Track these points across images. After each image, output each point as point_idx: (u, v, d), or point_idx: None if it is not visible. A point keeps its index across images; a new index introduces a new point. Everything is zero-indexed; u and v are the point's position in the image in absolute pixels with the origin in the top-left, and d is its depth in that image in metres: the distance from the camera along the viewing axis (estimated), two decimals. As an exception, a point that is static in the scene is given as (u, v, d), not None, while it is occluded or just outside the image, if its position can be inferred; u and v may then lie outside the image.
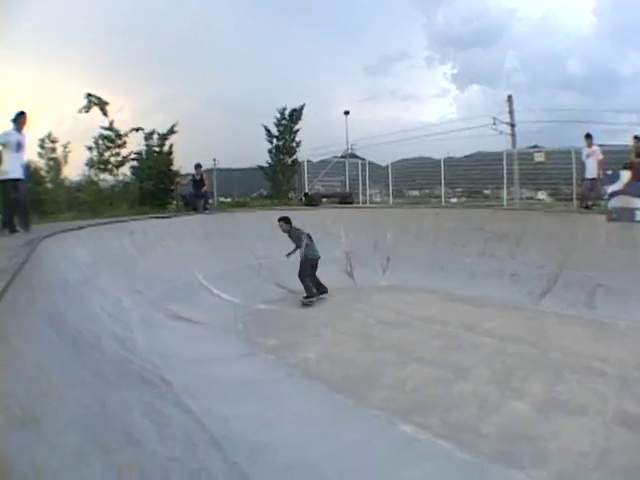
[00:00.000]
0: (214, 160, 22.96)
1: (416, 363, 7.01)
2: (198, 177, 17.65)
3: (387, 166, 21.75)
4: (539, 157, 17.55)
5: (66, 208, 18.87)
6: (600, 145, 13.86)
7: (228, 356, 7.58)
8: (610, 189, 11.80)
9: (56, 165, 23.89)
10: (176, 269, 11.39)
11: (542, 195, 18.32)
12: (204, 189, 17.54)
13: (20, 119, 9.95)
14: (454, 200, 20.23)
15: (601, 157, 13.59)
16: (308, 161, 23.80)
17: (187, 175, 19.39)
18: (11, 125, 9.91)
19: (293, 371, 6.82)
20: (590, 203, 13.79)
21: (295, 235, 11.69)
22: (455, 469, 4.23)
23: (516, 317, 9.57)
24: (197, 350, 7.47)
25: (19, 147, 9.86)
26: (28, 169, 12.44)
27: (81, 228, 10.47)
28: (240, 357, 7.59)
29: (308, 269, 11.41)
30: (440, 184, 19.68)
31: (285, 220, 11.90)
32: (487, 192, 20.92)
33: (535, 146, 19.04)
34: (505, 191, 17.77)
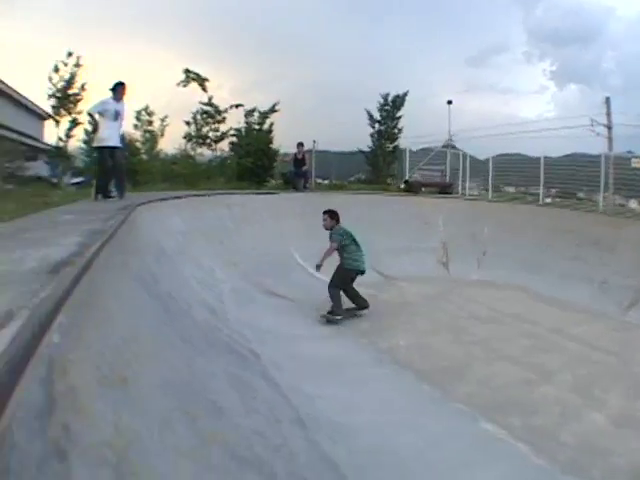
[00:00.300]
0: (314, 141, 22.94)
1: (503, 361, 6.96)
2: (300, 156, 17.84)
3: (486, 160, 21.29)
4: (637, 163, 16.73)
5: (160, 179, 19.33)
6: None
7: (318, 335, 7.73)
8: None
9: (152, 137, 24.63)
10: (272, 245, 11.64)
11: (634, 204, 17.42)
12: (305, 168, 17.81)
13: (119, 89, 10.14)
14: (548, 200, 19.58)
15: None
16: (410, 149, 23.45)
17: (288, 154, 19.51)
18: (110, 94, 10.11)
19: (383, 356, 6.83)
20: None
21: (337, 234, 9.36)
22: (529, 474, 4.19)
23: (602, 325, 9.29)
24: (288, 326, 7.70)
25: (117, 116, 10.05)
26: (124, 139, 12.73)
27: (177, 198, 10.76)
28: (330, 337, 7.68)
29: (342, 280, 9.06)
30: (536, 183, 19.16)
31: (331, 214, 9.70)
32: (581, 195, 20.17)
33: (629, 151, 18.16)
34: (601, 196, 16.95)
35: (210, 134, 22.82)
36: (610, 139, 17.33)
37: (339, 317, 8.52)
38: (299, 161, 17.77)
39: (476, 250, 14.06)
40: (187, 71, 22.88)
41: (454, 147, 22.69)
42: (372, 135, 27.28)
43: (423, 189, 19.83)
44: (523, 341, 7.86)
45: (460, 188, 20.95)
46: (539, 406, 5.43)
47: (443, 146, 22.65)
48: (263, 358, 5.17)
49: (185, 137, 22.83)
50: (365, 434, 4.24)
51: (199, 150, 22.77)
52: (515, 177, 20.67)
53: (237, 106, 23.48)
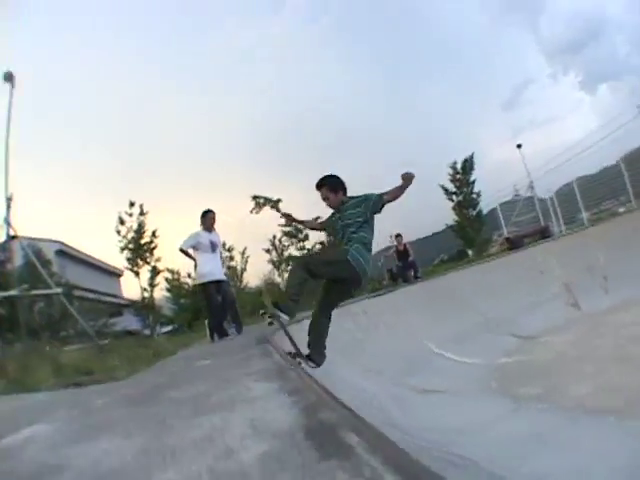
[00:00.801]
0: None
1: None
2: (401, 248, 18.27)
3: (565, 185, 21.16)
4: None
5: (249, 312, 19.68)
6: None
7: (496, 416, 6.96)
8: None
9: (235, 274, 25.24)
10: (404, 342, 11.07)
11: None
12: (410, 258, 18.14)
13: (208, 217, 9.79)
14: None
15: None
16: (498, 205, 23.55)
17: (388, 248, 19.70)
18: (199, 227, 9.77)
19: (574, 414, 6.17)
20: None
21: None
22: None
23: None
24: (461, 418, 6.99)
25: (214, 247, 9.71)
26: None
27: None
28: (510, 413, 6.93)
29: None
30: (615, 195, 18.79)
31: (331, 186, 6.01)
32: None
33: None
34: None
35: (296, 254, 23.38)
36: None
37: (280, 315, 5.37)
38: (402, 253, 18.16)
39: (597, 279, 13.51)
40: (255, 197, 23.70)
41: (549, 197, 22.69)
42: (454, 208, 27.90)
43: (526, 240, 19.63)
44: None
45: (556, 227, 21.02)
46: None
47: (526, 193, 22.65)
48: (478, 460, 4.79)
49: (270, 263, 23.40)
50: None
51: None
52: (589, 199, 20.81)
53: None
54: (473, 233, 26.80)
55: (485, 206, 26.66)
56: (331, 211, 6.11)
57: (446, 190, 28.02)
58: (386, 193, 5.55)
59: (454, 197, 27.95)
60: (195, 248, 9.56)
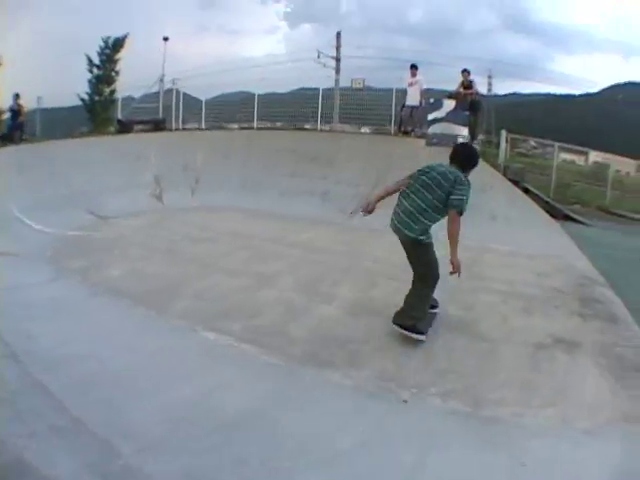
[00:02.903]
0: (38, 98, 21.54)
1: (219, 273, 7.20)
2: (16, 108, 17.00)
3: (208, 100, 21.39)
4: (357, 84, 17.85)
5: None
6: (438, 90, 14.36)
7: (37, 281, 7.33)
8: (432, 116, 12.46)
9: None
10: None
11: (365, 130, 18.62)
12: (20, 119, 17.02)
13: None
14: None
15: (424, 86, 14.20)
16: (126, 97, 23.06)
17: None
18: None
19: (97, 289, 6.78)
20: (410, 129, 14.18)
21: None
22: (259, 372, 4.44)
23: (325, 231, 9.99)
24: (5, 279, 7.27)
25: None
26: None
27: None
28: (48, 281, 7.37)
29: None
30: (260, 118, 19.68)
31: None
32: (308, 127, 21.01)
33: (367, 87, 19.00)
34: (318, 118, 17.85)
35: None
36: (338, 71, 18.19)
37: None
38: (15, 113, 16.94)
39: (189, 179, 13.87)
40: None
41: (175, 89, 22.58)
42: (90, 81, 26.81)
43: (138, 127, 19.41)
44: (240, 253, 8.19)
45: (174, 124, 20.82)
46: (262, 309, 5.73)
47: (154, 84, 22.48)
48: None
49: None
50: (82, 361, 4.39)
51: None
52: (237, 115, 20.65)
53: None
54: (101, 110, 25.95)
55: (128, 88, 25.75)
56: None
57: (90, 60, 26.80)
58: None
59: (95, 70, 26.87)
60: None
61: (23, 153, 14.34)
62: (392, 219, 5.20)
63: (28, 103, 18.10)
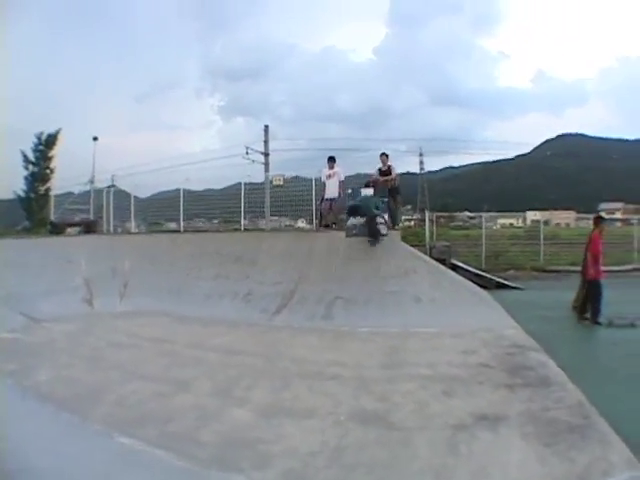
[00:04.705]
0: None
1: (139, 380, 7.08)
2: None
3: (147, 198, 21.49)
4: (277, 181, 18.17)
5: None
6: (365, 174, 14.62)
7: None
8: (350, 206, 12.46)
9: None
10: None
11: (302, 223, 18.87)
12: None
13: None
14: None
15: (342, 178, 14.53)
16: (59, 195, 23.08)
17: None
18: None
19: (26, 393, 6.77)
20: (330, 222, 14.49)
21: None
22: (167, 476, 4.38)
23: (245, 333, 9.85)
24: None
25: None
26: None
27: None
28: None
29: None
30: (199, 216, 19.80)
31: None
32: (245, 222, 21.15)
33: (296, 176, 19.44)
34: (242, 216, 18.16)
35: None
36: (267, 164, 18.51)
37: None
38: None
39: (118, 283, 13.93)
40: None
41: (114, 187, 22.60)
42: (26, 178, 27.23)
43: (70, 229, 19.41)
44: (160, 360, 8.07)
45: (105, 225, 21.15)
46: (176, 414, 5.64)
47: (86, 184, 22.53)
48: None
49: None
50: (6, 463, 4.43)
51: None
52: (176, 212, 20.86)
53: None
54: (37, 208, 25.91)
55: (60, 187, 25.82)
56: None
57: (25, 157, 27.27)
58: None
59: (30, 166, 27.22)
60: None
61: None
62: None
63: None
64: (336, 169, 14.60)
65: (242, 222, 17.96)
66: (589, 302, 11.09)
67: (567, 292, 11.54)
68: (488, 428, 4.66)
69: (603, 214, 15.03)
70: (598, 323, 10.81)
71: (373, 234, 11.19)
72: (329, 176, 14.62)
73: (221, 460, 4.47)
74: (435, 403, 5.40)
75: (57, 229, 19.27)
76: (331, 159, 14.79)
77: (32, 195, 26.75)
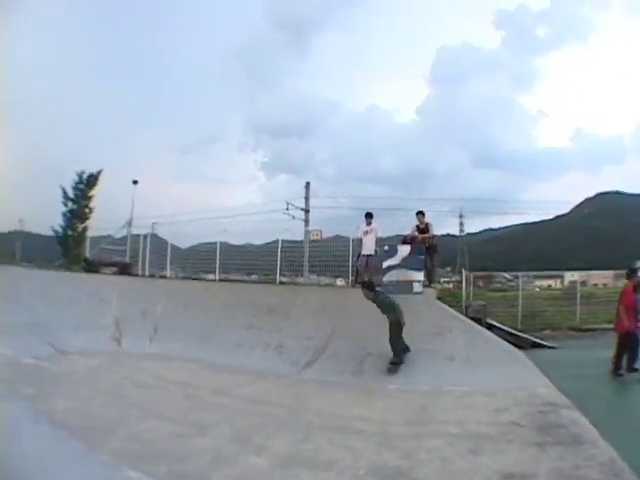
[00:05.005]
0: (19, 220, 22.00)
1: (157, 419, 7.12)
2: None
3: (188, 248, 21.62)
4: (315, 236, 18.09)
5: None
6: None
7: None
8: (386, 263, 12.43)
9: None
10: None
11: (340, 282, 18.70)
12: None
13: None
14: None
15: (379, 234, 14.34)
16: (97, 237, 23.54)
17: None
18: None
19: (40, 417, 6.95)
20: (366, 279, 14.08)
21: (383, 302, 9.87)
22: None
23: (272, 384, 9.76)
24: None
25: None
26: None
27: None
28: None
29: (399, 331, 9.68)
30: (238, 269, 19.80)
31: (368, 286, 10.07)
32: (284, 279, 21.07)
33: (337, 236, 19.34)
34: (278, 270, 18.10)
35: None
36: (307, 221, 18.40)
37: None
38: None
39: (149, 326, 14.12)
40: None
41: (157, 236, 22.77)
42: (65, 214, 27.38)
43: (103, 268, 19.86)
44: (182, 403, 8.10)
45: (140, 269, 21.03)
46: (188, 455, 5.63)
47: (123, 226, 22.76)
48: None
49: None
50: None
51: None
52: (215, 264, 20.72)
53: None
54: (73, 245, 26.38)
55: (98, 228, 26.08)
56: None
57: (65, 193, 27.53)
58: None
59: (69, 203, 27.52)
60: None
61: None
62: None
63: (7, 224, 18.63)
64: (373, 225, 14.44)
65: (278, 276, 17.80)
66: (624, 355, 10.66)
67: (603, 350, 11.17)
68: (514, 488, 4.37)
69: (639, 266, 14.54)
70: (635, 370, 10.25)
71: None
72: (366, 232, 14.43)
73: None
74: (461, 461, 5.25)
75: (91, 267, 19.61)
76: (368, 215, 14.68)
77: (69, 232, 27.10)
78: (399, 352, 9.62)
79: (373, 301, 9.80)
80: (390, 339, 9.57)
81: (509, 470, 4.83)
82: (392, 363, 9.55)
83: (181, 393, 8.81)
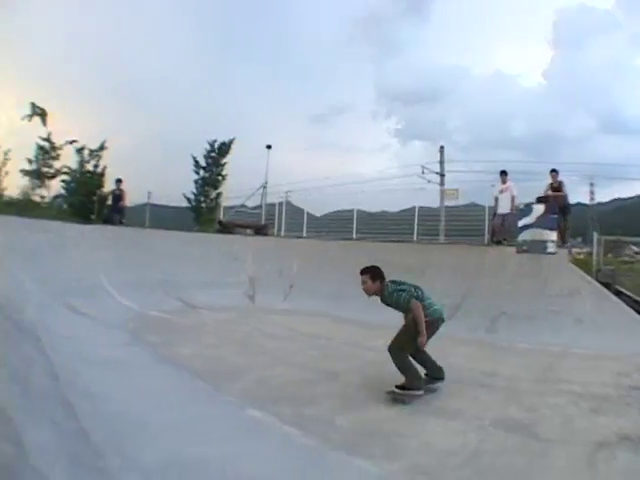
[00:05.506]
0: (148, 193, 22.84)
1: (286, 366, 7.41)
2: (118, 192, 18.28)
3: (309, 216, 21.55)
4: (451, 194, 17.69)
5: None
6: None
7: (109, 343, 8.17)
8: (522, 222, 12.35)
9: None
10: (84, 271, 12.51)
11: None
12: (121, 203, 18.24)
13: None
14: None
15: (515, 193, 14.09)
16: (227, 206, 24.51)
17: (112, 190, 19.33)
18: None
19: (163, 360, 7.43)
20: (501, 238, 14.13)
21: (409, 294, 6.26)
22: (290, 449, 4.48)
23: None
24: (81, 334, 8.31)
25: None
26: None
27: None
28: (120, 345, 8.14)
29: (412, 338, 6.14)
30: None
31: (372, 274, 6.64)
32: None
33: (472, 203, 18.88)
34: (415, 229, 18.03)
35: (44, 170, 22.63)
36: (442, 185, 18.08)
37: (419, 392, 5.88)
38: (116, 197, 18.23)
39: (283, 284, 14.63)
40: (34, 105, 22.66)
41: (290, 204, 22.95)
42: (196, 182, 27.80)
43: (238, 229, 20.20)
44: (313, 352, 8.43)
45: (276, 230, 21.43)
46: (316, 399, 5.81)
47: (258, 189, 23.02)
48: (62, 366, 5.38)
49: (22, 172, 22.56)
50: (128, 415, 4.66)
51: (38, 190, 22.59)
52: (349, 233, 20.23)
53: (72, 142, 23.51)
54: (206, 211, 27.06)
55: (231, 195, 26.50)
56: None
57: (197, 162, 27.90)
58: (411, 310, 6.15)
59: (201, 171, 27.90)
60: None
61: (122, 234, 15.77)
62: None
63: (138, 197, 19.32)
64: (508, 184, 14.30)
65: (415, 232, 17.73)
66: None
67: None
68: (630, 449, 4.49)
69: None
70: None
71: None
72: (501, 191, 14.35)
73: (352, 445, 4.52)
74: (581, 419, 5.29)
75: (225, 228, 19.98)
76: (503, 173, 14.52)
77: (202, 199, 27.60)
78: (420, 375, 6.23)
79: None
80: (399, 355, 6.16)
81: (626, 432, 4.81)
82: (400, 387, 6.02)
83: (312, 343, 9.16)
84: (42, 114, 23.18)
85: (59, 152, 23.64)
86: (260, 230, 20.61)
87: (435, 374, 6.36)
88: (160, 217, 23.56)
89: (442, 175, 18.22)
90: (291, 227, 21.56)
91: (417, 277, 12.29)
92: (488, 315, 10.69)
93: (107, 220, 17.99)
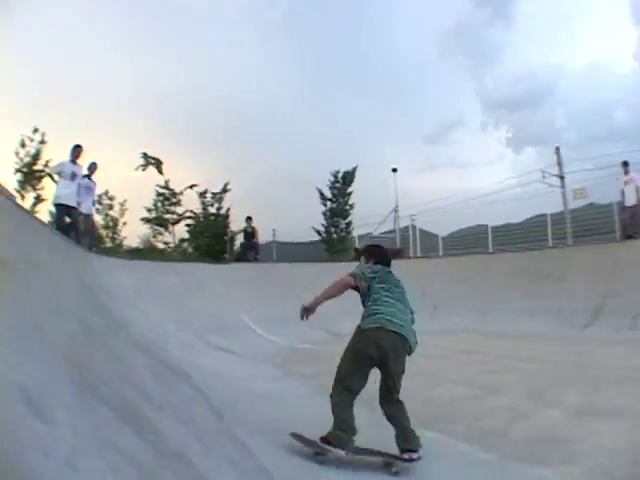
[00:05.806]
0: (273, 230, 23.26)
1: (448, 384, 7.35)
2: (249, 229, 18.76)
3: (441, 236, 21.50)
4: (579, 194, 17.07)
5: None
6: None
7: (259, 377, 8.40)
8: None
9: (113, 222, 25.29)
10: (222, 309, 12.69)
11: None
12: (254, 240, 18.76)
13: (75, 151, 11.12)
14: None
15: (639, 184, 13.61)
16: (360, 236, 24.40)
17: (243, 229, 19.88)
18: (68, 157, 11.07)
19: (319, 391, 6.79)
20: (633, 232, 13.67)
21: (361, 269, 4.92)
22: (469, 465, 4.40)
23: (557, 345, 9.82)
24: (232, 371, 8.53)
25: (73, 177, 10.97)
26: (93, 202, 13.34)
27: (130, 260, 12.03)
28: (273, 379, 8.33)
29: (352, 361, 4.45)
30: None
31: (369, 252, 5.33)
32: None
33: (591, 204, 18.32)
34: (549, 232, 17.58)
35: (167, 216, 23.58)
36: (563, 187, 17.56)
37: (341, 452, 4.09)
38: (248, 234, 18.72)
39: (428, 304, 14.33)
40: (145, 155, 23.79)
41: (414, 226, 22.89)
42: (324, 213, 28.02)
43: None
44: (472, 368, 8.35)
45: (412, 252, 21.54)
46: (486, 413, 5.78)
47: (390, 213, 23.02)
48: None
49: (143, 220, 23.62)
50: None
51: (160, 237, 23.57)
52: (479, 248, 20.55)
53: (192, 186, 24.80)
54: (338, 242, 27.18)
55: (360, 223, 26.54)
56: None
57: (322, 194, 28.22)
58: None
59: (328, 203, 28.17)
60: (59, 174, 11.01)
61: (257, 271, 16.14)
62: (390, 320, 4.31)
63: (263, 236, 19.77)
64: (632, 175, 13.84)
65: (549, 236, 17.29)
66: None
67: None
68: None
69: None
70: None
71: None
72: (625, 182, 13.93)
73: (530, 455, 4.47)
74: None
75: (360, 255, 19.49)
76: (625, 164, 14.11)
77: (332, 229, 27.71)
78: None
79: None
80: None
81: None
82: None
83: (468, 360, 9.16)
84: (157, 163, 24.31)
85: (180, 197, 24.86)
86: (397, 254, 20.31)
87: (403, 443, 4.19)
88: (287, 254, 23.88)
89: (562, 177, 17.65)
90: (423, 251, 21.78)
91: (557, 282, 12.16)
92: (629, 313, 10.58)
93: (241, 258, 18.72)
